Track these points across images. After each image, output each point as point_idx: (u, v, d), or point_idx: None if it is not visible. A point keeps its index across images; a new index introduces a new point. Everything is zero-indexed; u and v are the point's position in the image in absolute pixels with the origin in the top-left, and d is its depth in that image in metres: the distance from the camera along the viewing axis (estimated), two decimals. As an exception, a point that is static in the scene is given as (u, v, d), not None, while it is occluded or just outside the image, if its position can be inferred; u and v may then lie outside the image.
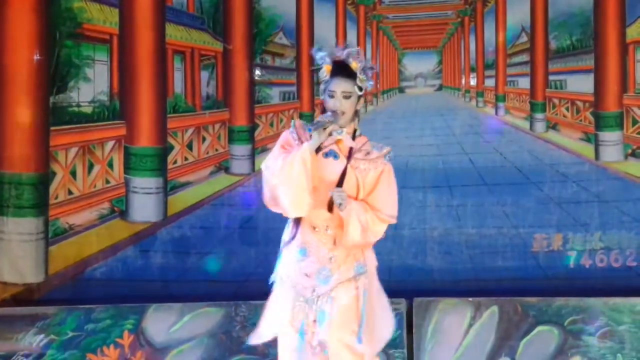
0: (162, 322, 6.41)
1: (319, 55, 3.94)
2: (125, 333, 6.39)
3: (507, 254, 7.01)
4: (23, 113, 6.99)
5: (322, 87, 3.95)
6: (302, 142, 3.88)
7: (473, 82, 7.73)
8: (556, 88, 7.45)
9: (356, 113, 3.96)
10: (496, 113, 7.64)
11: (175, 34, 7.47)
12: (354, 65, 3.89)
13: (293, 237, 3.92)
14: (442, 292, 6.49)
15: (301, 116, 7.46)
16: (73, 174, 7.17)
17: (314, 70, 4.04)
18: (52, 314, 6.41)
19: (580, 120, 7.35)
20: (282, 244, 4.02)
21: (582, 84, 7.33)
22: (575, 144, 7.30)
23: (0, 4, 6.94)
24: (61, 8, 7.17)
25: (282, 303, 3.95)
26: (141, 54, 7.25)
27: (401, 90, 7.79)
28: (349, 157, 3.90)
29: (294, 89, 7.53)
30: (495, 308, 6.26)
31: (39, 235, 7.00)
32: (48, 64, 7.10)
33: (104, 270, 7.09)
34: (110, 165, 7.25)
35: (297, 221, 3.91)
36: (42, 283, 6.99)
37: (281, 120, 7.53)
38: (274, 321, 3.98)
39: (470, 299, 6.30)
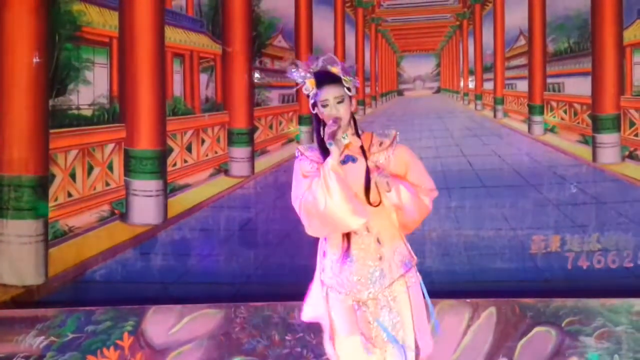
0: (161, 324, 6.42)
1: (297, 75, 3.94)
2: (125, 335, 6.40)
3: (505, 256, 7.02)
4: (22, 115, 7.00)
5: (311, 101, 3.96)
6: (316, 162, 3.89)
7: (471, 85, 7.75)
8: (554, 91, 7.47)
9: (352, 115, 3.97)
10: (494, 116, 7.66)
11: (174, 36, 7.49)
12: (334, 70, 3.92)
13: (347, 250, 3.91)
14: (440, 294, 6.48)
15: (300, 119, 7.47)
16: (72, 176, 7.19)
17: (298, 89, 4.04)
18: (52, 315, 6.42)
19: (578, 123, 7.37)
20: (322, 257, 4.00)
21: (579, 87, 7.33)
22: (573, 146, 7.32)
23: (0, 7, 6.96)
24: (61, 11, 7.18)
25: (344, 313, 3.95)
26: (141, 57, 7.26)
27: (400, 93, 7.81)
28: (365, 155, 3.92)
29: (293, 91, 7.54)
30: (493, 309, 6.27)
31: (39, 238, 7.01)
32: (47, 66, 7.11)
33: (104, 273, 7.10)
34: (110, 167, 7.26)
35: (346, 234, 3.90)
36: (42, 285, 6.99)
37: (280, 123, 7.54)
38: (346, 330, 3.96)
39: (468, 300, 6.31)
